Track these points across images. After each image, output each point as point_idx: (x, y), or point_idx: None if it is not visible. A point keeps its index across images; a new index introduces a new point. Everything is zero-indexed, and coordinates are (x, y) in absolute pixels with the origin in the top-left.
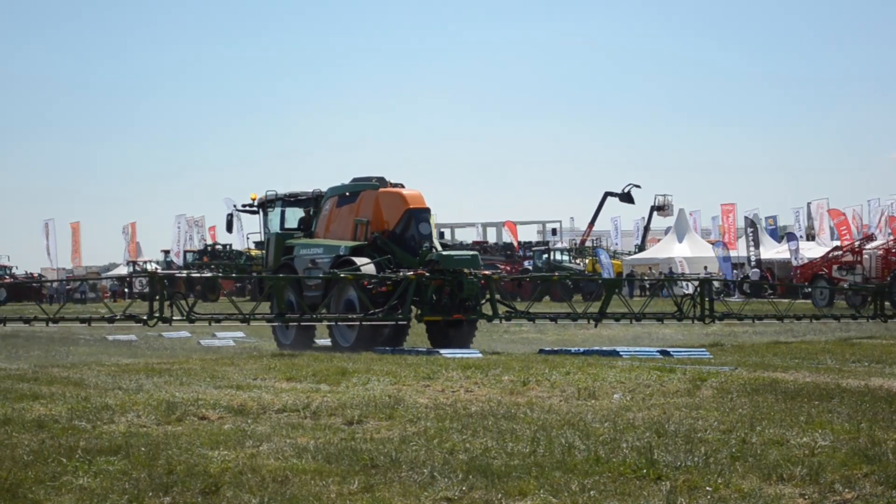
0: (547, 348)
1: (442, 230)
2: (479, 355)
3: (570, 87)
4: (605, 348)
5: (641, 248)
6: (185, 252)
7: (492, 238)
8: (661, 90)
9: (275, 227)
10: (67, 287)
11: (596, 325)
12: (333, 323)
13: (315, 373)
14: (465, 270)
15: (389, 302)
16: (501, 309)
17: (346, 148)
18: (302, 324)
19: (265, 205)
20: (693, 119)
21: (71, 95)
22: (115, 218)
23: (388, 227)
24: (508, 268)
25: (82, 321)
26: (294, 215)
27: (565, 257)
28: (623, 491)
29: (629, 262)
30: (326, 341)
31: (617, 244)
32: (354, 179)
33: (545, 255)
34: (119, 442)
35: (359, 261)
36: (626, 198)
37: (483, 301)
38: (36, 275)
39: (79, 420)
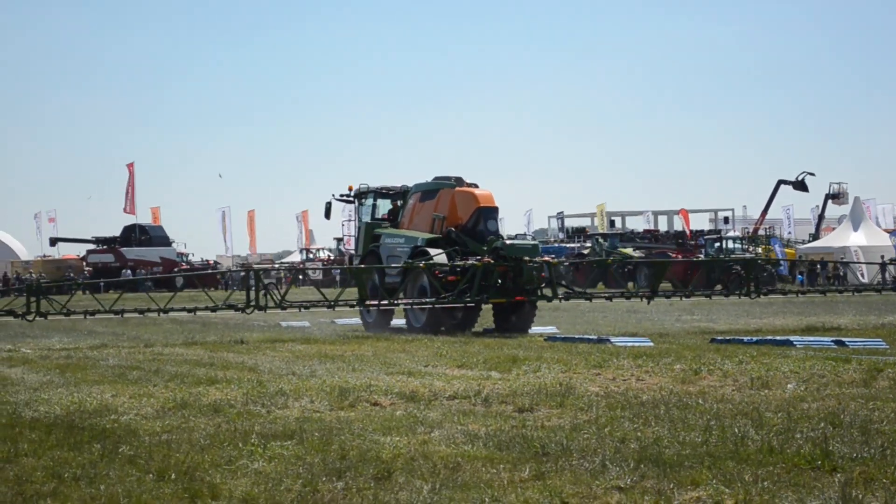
0: (719, 337)
1: (612, 218)
2: (650, 343)
3: (743, 76)
4: (777, 338)
5: (815, 236)
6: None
7: (663, 226)
8: (837, 78)
9: (367, 216)
10: (241, 274)
11: (649, 302)
12: (409, 307)
13: (486, 360)
14: (526, 258)
15: (459, 286)
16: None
17: (515, 137)
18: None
19: (360, 196)
20: (869, 107)
21: (249, 89)
22: (290, 206)
23: (461, 222)
24: (680, 256)
25: (188, 311)
26: (384, 207)
27: (737, 245)
28: (797, 482)
29: (803, 251)
30: (401, 321)
31: (790, 233)
32: (436, 178)
33: (717, 244)
34: (293, 427)
35: (432, 251)
36: (800, 186)
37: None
38: (212, 262)
39: (254, 405)
